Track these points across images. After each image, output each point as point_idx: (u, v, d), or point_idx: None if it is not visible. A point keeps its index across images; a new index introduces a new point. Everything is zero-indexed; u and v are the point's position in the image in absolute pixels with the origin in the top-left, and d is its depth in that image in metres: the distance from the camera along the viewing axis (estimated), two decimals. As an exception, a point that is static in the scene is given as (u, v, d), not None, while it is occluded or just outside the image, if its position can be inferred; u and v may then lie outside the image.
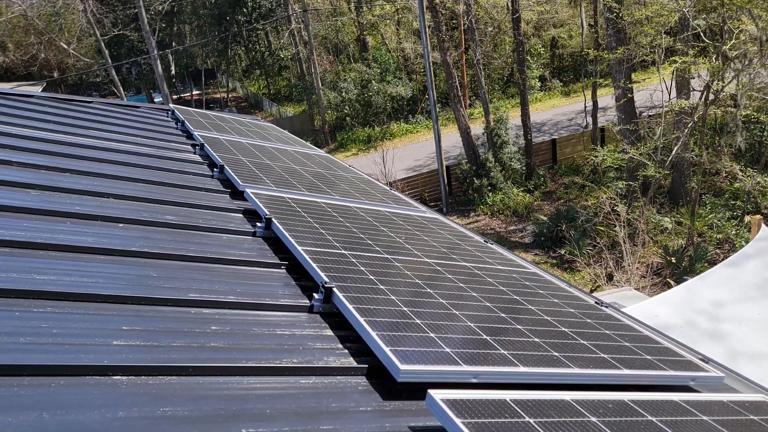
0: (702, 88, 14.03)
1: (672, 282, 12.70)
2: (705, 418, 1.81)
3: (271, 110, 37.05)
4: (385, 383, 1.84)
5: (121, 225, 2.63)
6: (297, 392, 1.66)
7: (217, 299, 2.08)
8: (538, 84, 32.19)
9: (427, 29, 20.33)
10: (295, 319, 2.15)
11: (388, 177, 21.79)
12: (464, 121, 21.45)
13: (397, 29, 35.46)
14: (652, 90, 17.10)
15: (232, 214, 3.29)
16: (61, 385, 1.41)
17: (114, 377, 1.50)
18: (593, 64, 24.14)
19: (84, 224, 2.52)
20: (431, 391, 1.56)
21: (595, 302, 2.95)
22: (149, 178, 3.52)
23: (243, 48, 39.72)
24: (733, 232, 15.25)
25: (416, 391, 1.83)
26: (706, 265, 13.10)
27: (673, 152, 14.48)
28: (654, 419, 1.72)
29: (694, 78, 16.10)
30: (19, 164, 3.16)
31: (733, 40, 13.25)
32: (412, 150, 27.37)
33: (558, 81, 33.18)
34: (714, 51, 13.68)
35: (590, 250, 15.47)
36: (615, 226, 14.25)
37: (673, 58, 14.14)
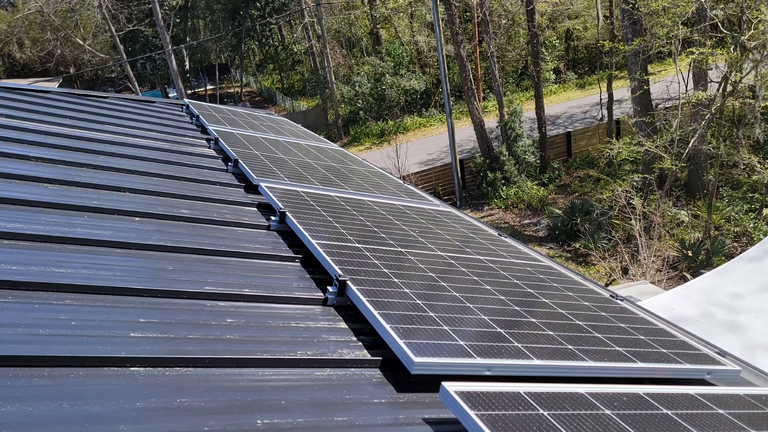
0: (720, 80, 13.84)
1: (688, 276, 12.58)
2: (721, 411, 1.80)
3: (285, 104, 37.12)
4: (399, 375, 1.85)
5: (137, 219, 2.66)
6: (311, 384, 1.67)
7: (232, 292, 2.09)
8: (553, 76, 31.91)
9: (440, 22, 20.23)
10: (310, 311, 2.16)
11: (402, 171, 21.76)
12: (478, 114, 21.35)
13: (411, 22, 35.31)
14: (669, 82, 16.89)
15: (247, 208, 3.31)
16: (80, 375, 1.43)
17: (132, 368, 1.52)
18: (609, 55, 23.88)
19: (101, 218, 2.55)
20: (445, 384, 1.56)
21: (610, 295, 2.94)
22: (165, 173, 3.55)
23: (256, 42, 39.81)
24: (751, 225, 15.06)
25: (430, 383, 1.84)
26: (723, 258, 12.96)
27: (690, 144, 14.30)
28: (669, 412, 1.71)
29: (711, 69, 15.87)
30: (36, 159, 3.20)
31: (752, 31, 13.03)
32: (426, 144, 27.30)
33: (573, 73, 32.87)
34: (732, 41, 13.48)
35: (605, 243, 15.36)
36: (630, 220, 14.13)
37: (690, 49, 13.95)
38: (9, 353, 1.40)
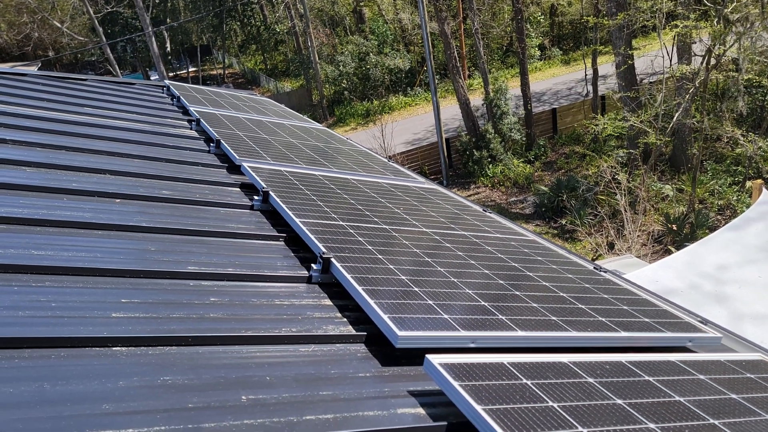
0: (703, 53, 13.87)
1: (673, 249, 12.73)
2: (702, 377, 1.83)
3: (269, 86, 36.73)
4: (384, 350, 1.85)
5: (117, 200, 2.63)
6: (296, 360, 1.67)
7: (215, 271, 2.08)
8: (538, 53, 31.83)
9: (424, -1, 20.02)
10: (294, 289, 2.15)
11: (388, 151, 21.70)
12: (463, 93, 21.28)
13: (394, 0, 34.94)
14: (653, 56, 16.92)
15: (230, 188, 3.29)
16: (62, 356, 1.42)
17: (114, 348, 1.51)
18: (593, 31, 23.84)
19: (81, 200, 2.51)
20: (429, 356, 1.57)
21: (594, 268, 2.96)
22: (145, 154, 3.51)
23: (238, 23, 39.23)
24: (735, 198, 15.23)
25: (414, 356, 1.85)
26: (707, 231, 13.11)
27: (674, 119, 14.38)
28: (651, 379, 1.74)
29: (695, 43, 15.91)
30: (14, 142, 3.15)
31: (735, 3, 13.05)
32: (412, 123, 27.21)
33: (558, 49, 32.80)
34: (715, 14, 13.48)
35: (591, 219, 15.48)
36: (616, 195, 14.24)
37: (674, 22, 13.94)
38: (-13, 336, 1.39)
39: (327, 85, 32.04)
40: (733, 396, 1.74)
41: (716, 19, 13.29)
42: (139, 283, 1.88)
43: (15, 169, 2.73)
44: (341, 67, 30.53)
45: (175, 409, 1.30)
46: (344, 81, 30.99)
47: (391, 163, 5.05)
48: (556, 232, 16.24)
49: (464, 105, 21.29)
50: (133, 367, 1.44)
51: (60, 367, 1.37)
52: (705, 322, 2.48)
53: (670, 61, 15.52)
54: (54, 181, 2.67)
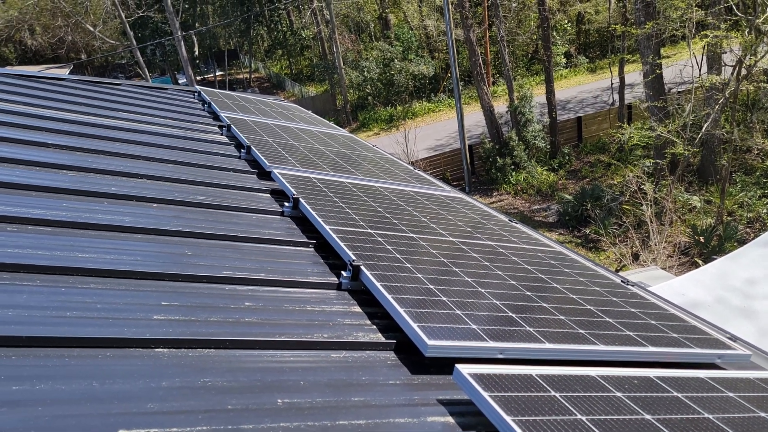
0: (734, 63, 13.67)
1: (700, 262, 12.54)
2: (731, 394, 1.83)
3: (294, 90, 37.07)
4: (413, 358, 1.89)
5: (155, 205, 2.71)
6: (328, 366, 1.72)
7: (249, 276, 2.14)
8: (564, 60, 31.63)
9: (450, 5, 20.06)
10: (324, 296, 2.20)
11: (410, 156, 21.74)
12: (487, 100, 21.24)
13: (420, 6, 35.03)
14: (682, 66, 16.70)
15: (260, 194, 3.36)
16: (108, 356, 1.49)
17: (156, 349, 1.57)
18: (620, 39, 23.63)
19: (120, 204, 2.60)
20: (459, 366, 1.60)
21: (621, 281, 2.96)
22: (180, 159, 3.60)
23: (265, 28, 39.68)
24: (764, 210, 14.95)
25: (443, 365, 1.88)
26: (735, 244, 12.89)
27: (703, 129, 14.18)
28: (679, 395, 1.75)
29: (725, 53, 15.68)
30: (55, 146, 3.26)
31: (767, 14, 12.84)
32: (435, 129, 27.22)
33: (584, 57, 32.55)
34: (747, 24, 13.29)
35: (616, 229, 15.32)
36: (641, 205, 14.07)
37: (704, 32, 13.77)
38: (40, 334, 1.46)
39: (351, 91, 32.24)
40: (763, 414, 1.74)
41: (747, 30, 13.10)
42: (177, 287, 1.95)
43: (56, 173, 2.83)
44: (366, 73, 30.70)
45: (215, 410, 1.36)
46: (368, 86, 31.14)
47: (415, 170, 5.09)
48: (579, 241, 16.10)
49: (488, 112, 21.25)
50: (175, 368, 1.50)
51: (107, 366, 1.44)
52: (734, 338, 2.47)
53: (700, 70, 15.32)
54: (94, 185, 2.76)
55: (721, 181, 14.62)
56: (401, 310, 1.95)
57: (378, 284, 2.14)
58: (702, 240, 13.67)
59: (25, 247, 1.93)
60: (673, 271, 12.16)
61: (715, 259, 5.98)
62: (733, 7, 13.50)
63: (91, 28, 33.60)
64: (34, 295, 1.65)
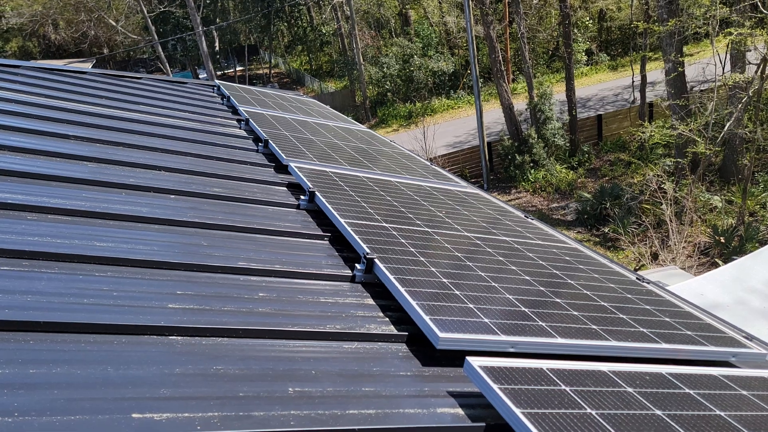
0: (758, 61, 13.42)
1: (720, 262, 12.36)
2: (744, 392, 1.81)
3: (313, 86, 37.17)
4: (425, 350, 1.90)
5: (172, 196, 2.75)
6: (340, 356, 1.73)
7: (263, 268, 2.16)
8: (585, 58, 31.30)
9: (470, 2, 19.96)
10: (338, 288, 2.22)
11: (429, 153, 21.70)
12: (507, 97, 21.11)
13: (440, 3, 34.88)
14: (705, 64, 16.44)
15: (277, 187, 3.38)
16: (123, 342, 1.52)
17: (170, 337, 1.60)
18: (642, 37, 23.30)
19: (138, 195, 2.64)
20: (469, 358, 1.61)
21: (637, 278, 2.94)
22: (198, 152, 3.64)
23: (285, 24, 39.82)
24: (788, 211, 14.67)
25: (454, 358, 1.88)
26: (757, 245, 12.69)
27: (726, 128, 13.96)
28: (691, 392, 1.73)
29: (750, 51, 15.39)
30: (75, 138, 3.31)
31: (794, 10, 12.59)
32: (454, 126, 27.12)
33: (605, 55, 32.19)
34: (773, 22, 13.04)
35: (635, 228, 15.15)
36: (661, 205, 13.90)
37: (728, 29, 13.54)
38: (57, 320, 1.49)
39: (370, 87, 32.23)
40: (777, 413, 1.72)
41: (773, 27, 12.85)
42: (192, 276, 1.98)
43: (76, 164, 2.88)
44: (385, 69, 30.67)
45: (227, 396, 1.38)
46: (388, 82, 31.12)
47: (433, 165, 5.09)
48: (597, 239, 15.96)
49: (507, 109, 21.12)
50: (188, 356, 1.52)
51: (122, 352, 1.47)
52: (750, 337, 2.44)
53: (723, 69, 15.07)
54: (112, 176, 2.80)
55: (743, 180, 14.39)
56: (414, 303, 1.96)
57: (391, 277, 2.15)
58: (723, 240, 13.47)
59: (45, 236, 1.97)
60: (693, 272, 12.00)
61: (735, 259, 5.90)
62: (759, 4, 13.25)
63: (114, 23, 34.02)
64: (52, 282, 1.69)
